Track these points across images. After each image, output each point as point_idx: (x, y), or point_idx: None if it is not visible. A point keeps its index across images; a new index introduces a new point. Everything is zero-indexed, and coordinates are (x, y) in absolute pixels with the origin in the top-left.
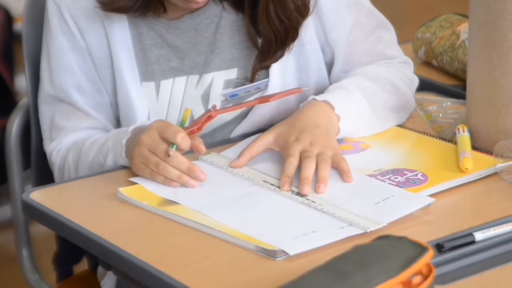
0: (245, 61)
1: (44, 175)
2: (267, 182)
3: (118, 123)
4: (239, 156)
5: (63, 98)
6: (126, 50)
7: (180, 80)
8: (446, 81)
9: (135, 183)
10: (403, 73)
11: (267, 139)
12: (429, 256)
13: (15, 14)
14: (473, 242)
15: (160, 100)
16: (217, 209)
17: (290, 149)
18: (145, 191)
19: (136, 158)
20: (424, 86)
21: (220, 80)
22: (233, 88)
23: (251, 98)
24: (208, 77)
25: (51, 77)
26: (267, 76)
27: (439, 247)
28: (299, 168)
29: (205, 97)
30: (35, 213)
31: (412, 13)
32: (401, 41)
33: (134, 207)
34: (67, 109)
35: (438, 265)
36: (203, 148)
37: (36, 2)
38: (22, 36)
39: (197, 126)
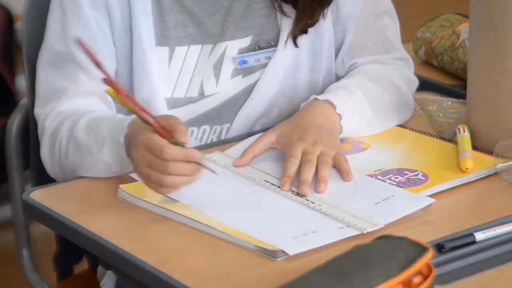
0: (260, 28)
1: (44, 175)
2: (268, 182)
3: None
4: (242, 155)
5: (73, 56)
6: (145, 12)
7: (195, 49)
8: (446, 81)
9: (136, 180)
10: (403, 73)
11: (270, 138)
12: (429, 256)
13: (15, 14)
14: (473, 242)
15: (172, 66)
16: (218, 208)
17: (293, 148)
18: (146, 188)
19: (140, 175)
20: (424, 86)
21: (233, 49)
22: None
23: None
24: (221, 46)
25: (65, 33)
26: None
27: (440, 247)
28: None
29: (217, 67)
30: (35, 213)
31: (412, 13)
32: (401, 41)
33: (134, 207)
34: (71, 71)
35: (438, 265)
36: (197, 155)
37: (36, 2)
38: (22, 36)
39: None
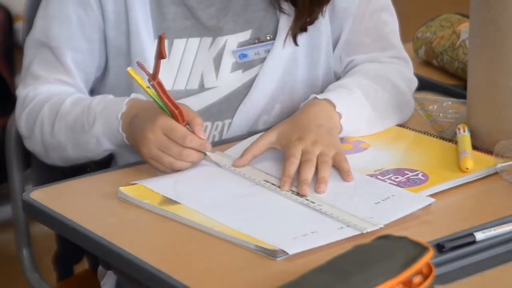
0: (259, 22)
1: (44, 175)
2: (268, 182)
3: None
4: (242, 155)
5: (50, 47)
6: (142, 5)
7: (194, 41)
8: (447, 81)
9: (136, 184)
10: (402, 72)
11: (269, 138)
12: (429, 256)
13: (15, 14)
14: (473, 242)
15: (171, 59)
16: (218, 209)
17: (292, 148)
18: (146, 190)
19: (145, 155)
20: (425, 85)
21: (233, 43)
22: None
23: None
24: (221, 40)
25: (45, 25)
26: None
27: (440, 247)
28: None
29: (217, 60)
30: (35, 212)
31: (412, 13)
32: (401, 41)
33: (135, 207)
34: (49, 59)
35: (438, 265)
36: (209, 146)
37: (36, 2)
38: (22, 36)
39: (176, 109)
